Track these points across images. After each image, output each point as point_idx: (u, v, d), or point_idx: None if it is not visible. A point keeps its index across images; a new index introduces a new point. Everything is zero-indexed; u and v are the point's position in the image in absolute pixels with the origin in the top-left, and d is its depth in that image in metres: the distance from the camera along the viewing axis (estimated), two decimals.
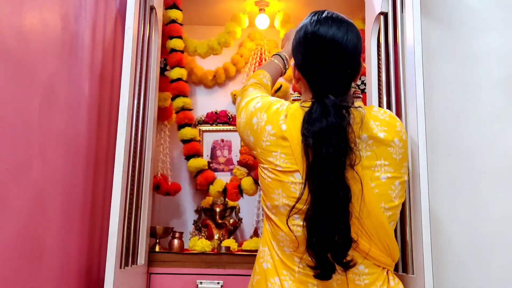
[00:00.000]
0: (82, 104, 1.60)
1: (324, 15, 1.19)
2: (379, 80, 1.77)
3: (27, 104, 1.23)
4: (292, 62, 1.26)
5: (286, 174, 1.13)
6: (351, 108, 1.14)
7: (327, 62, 1.16)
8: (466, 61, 1.85)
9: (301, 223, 1.10)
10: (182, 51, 2.43)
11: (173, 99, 2.44)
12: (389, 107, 1.69)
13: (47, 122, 1.35)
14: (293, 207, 1.09)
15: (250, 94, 1.30)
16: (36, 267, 1.29)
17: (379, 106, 1.75)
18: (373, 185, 1.12)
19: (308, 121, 1.10)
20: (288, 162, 1.13)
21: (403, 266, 1.52)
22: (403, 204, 1.53)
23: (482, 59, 1.85)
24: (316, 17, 1.20)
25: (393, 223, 1.16)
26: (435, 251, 1.69)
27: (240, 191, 2.34)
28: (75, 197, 1.56)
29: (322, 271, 1.07)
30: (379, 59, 1.81)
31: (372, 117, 1.17)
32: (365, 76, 1.91)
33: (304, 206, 1.08)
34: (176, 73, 2.41)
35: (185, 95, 2.45)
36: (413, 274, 1.42)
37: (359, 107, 1.16)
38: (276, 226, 1.16)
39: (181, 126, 2.44)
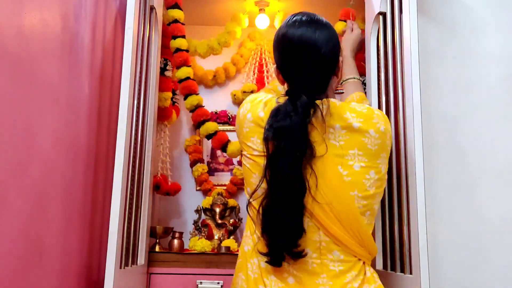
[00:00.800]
0: (82, 104, 1.60)
1: (295, 18, 1.26)
2: (379, 80, 1.77)
3: (27, 104, 1.24)
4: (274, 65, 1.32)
5: (261, 158, 1.19)
6: (325, 99, 1.19)
7: (299, 62, 1.21)
8: (465, 61, 1.85)
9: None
10: (187, 50, 2.43)
11: (184, 98, 2.44)
12: (387, 106, 1.69)
13: (47, 122, 1.35)
14: (255, 191, 1.17)
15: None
16: (36, 267, 1.29)
17: (379, 106, 1.75)
18: (345, 172, 1.16)
19: (274, 116, 1.16)
20: (261, 147, 1.19)
21: (401, 266, 1.53)
22: (400, 204, 1.54)
23: (482, 59, 1.85)
24: (288, 20, 1.27)
25: (369, 213, 1.19)
26: (434, 252, 1.69)
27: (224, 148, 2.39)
28: (75, 197, 1.56)
29: (272, 259, 1.14)
30: (378, 59, 1.81)
31: (349, 109, 1.21)
32: (365, 76, 1.91)
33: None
34: (184, 72, 2.41)
35: (196, 93, 2.45)
36: (410, 274, 1.42)
37: (335, 100, 1.22)
38: (255, 209, 1.20)
39: (200, 123, 2.42)
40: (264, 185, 1.16)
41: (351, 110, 1.21)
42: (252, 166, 1.22)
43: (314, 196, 1.13)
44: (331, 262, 1.16)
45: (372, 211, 1.20)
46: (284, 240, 1.12)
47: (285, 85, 1.29)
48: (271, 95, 1.26)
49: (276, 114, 1.16)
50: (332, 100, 1.21)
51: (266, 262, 1.15)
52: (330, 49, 1.22)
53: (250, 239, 1.24)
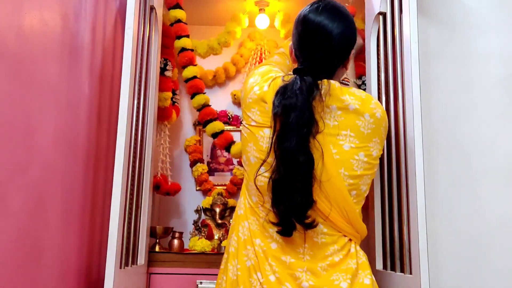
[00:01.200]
0: (82, 104, 1.60)
1: (318, 4, 1.29)
2: (379, 80, 1.77)
3: (27, 104, 1.24)
4: (290, 43, 1.37)
5: (257, 129, 1.25)
6: (325, 80, 1.23)
7: (311, 46, 1.26)
8: (465, 61, 1.85)
9: (266, 174, 1.20)
10: (192, 50, 2.44)
11: (191, 97, 2.47)
12: (387, 106, 1.69)
13: (47, 122, 1.35)
14: (264, 161, 1.20)
15: (264, 63, 1.45)
16: (36, 267, 1.29)
17: None
18: (335, 151, 1.21)
19: (283, 94, 1.21)
20: (261, 119, 1.25)
21: (401, 266, 1.53)
22: (400, 204, 1.54)
23: (482, 59, 1.85)
24: (312, 4, 1.31)
25: (355, 192, 1.23)
26: (434, 252, 1.69)
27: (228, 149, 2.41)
28: (75, 197, 1.56)
29: (284, 229, 1.18)
30: (378, 59, 1.81)
31: (348, 92, 1.25)
32: (365, 75, 1.91)
33: (270, 159, 1.19)
34: (191, 71, 2.43)
35: (203, 92, 2.47)
36: (410, 274, 1.42)
37: (334, 82, 1.26)
38: (248, 176, 1.28)
39: (207, 122, 2.45)
40: (260, 155, 1.22)
41: (350, 93, 1.25)
42: (249, 135, 1.27)
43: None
44: (314, 234, 1.20)
45: (358, 191, 1.24)
46: (295, 212, 1.15)
47: (296, 64, 1.34)
48: (280, 73, 1.32)
49: (284, 92, 1.21)
50: (332, 81, 1.24)
51: (277, 232, 1.19)
52: (342, 41, 1.26)
53: (243, 204, 1.31)
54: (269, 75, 1.31)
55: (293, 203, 1.15)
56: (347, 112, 1.23)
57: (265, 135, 1.23)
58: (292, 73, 1.27)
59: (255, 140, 1.25)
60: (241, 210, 1.31)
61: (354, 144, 1.22)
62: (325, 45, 1.24)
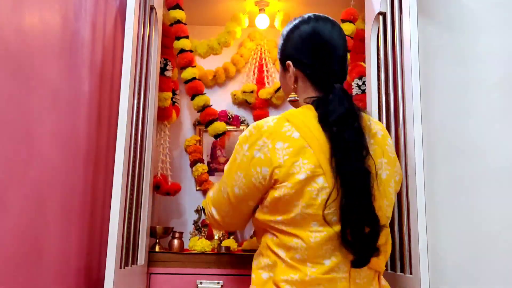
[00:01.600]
0: (82, 104, 1.60)
1: (316, 15, 1.26)
2: (379, 80, 1.77)
3: (27, 104, 1.24)
4: (288, 64, 1.25)
5: (308, 181, 1.09)
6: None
7: (331, 59, 1.22)
8: (465, 61, 1.85)
9: (320, 228, 1.09)
10: (191, 51, 2.45)
11: (191, 99, 2.48)
12: (387, 106, 1.69)
13: (47, 122, 1.35)
14: (326, 201, 1.08)
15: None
16: (36, 267, 1.29)
17: (379, 106, 1.75)
18: (378, 182, 1.14)
19: (328, 112, 1.13)
20: (312, 166, 1.09)
21: (401, 266, 1.53)
22: (400, 204, 1.54)
23: (482, 59, 1.85)
24: (307, 17, 1.26)
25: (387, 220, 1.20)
26: (434, 252, 1.69)
27: None
28: (75, 197, 1.56)
29: (360, 255, 1.08)
30: (378, 59, 1.81)
31: (369, 119, 1.21)
32: (365, 75, 1.91)
33: (330, 211, 1.08)
34: (190, 73, 2.43)
35: (203, 93, 2.47)
36: (410, 274, 1.42)
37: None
38: (288, 235, 1.12)
39: (209, 123, 2.45)
40: (313, 211, 1.09)
41: (371, 119, 1.21)
42: (293, 196, 1.10)
43: None
44: (357, 275, 1.12)
45: (387, 221, 1.18)
46: (370, 236, 1.08)
47: (297, 84, 1.24)
48: (273, 117, 1.18)
49: (327, 110, 1.13)
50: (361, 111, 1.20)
51: (352, 263, 1.10)
52: (346, 50, 1.27)
53: (272, 262, 1.15)
54: (265, 128, 1.15)
55: (365, 223, 1.07)
56: (377, 139, 1.18)
57: (319, 186, 1.09)
58: (319, 91, 1.21)
59: (305, 196, 1.09)
60: (268, 274, 1.15)
61: (388, 171, 1.17)
62: (338, 55, 1.22)
